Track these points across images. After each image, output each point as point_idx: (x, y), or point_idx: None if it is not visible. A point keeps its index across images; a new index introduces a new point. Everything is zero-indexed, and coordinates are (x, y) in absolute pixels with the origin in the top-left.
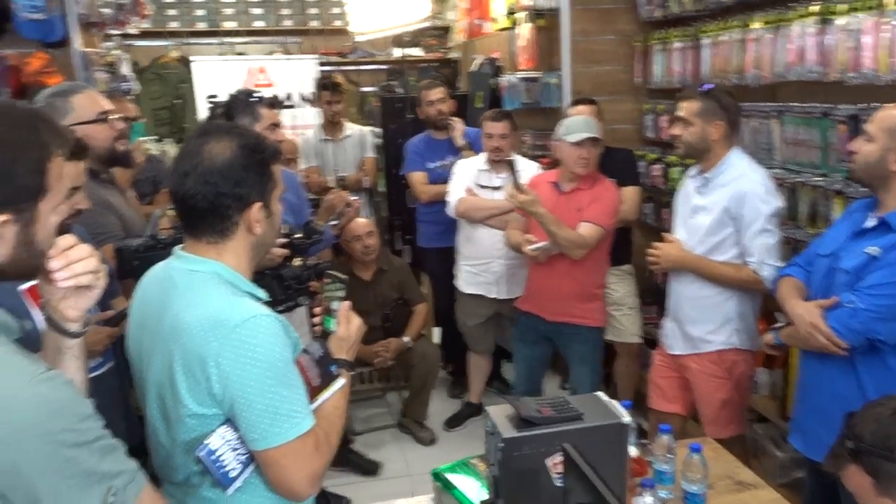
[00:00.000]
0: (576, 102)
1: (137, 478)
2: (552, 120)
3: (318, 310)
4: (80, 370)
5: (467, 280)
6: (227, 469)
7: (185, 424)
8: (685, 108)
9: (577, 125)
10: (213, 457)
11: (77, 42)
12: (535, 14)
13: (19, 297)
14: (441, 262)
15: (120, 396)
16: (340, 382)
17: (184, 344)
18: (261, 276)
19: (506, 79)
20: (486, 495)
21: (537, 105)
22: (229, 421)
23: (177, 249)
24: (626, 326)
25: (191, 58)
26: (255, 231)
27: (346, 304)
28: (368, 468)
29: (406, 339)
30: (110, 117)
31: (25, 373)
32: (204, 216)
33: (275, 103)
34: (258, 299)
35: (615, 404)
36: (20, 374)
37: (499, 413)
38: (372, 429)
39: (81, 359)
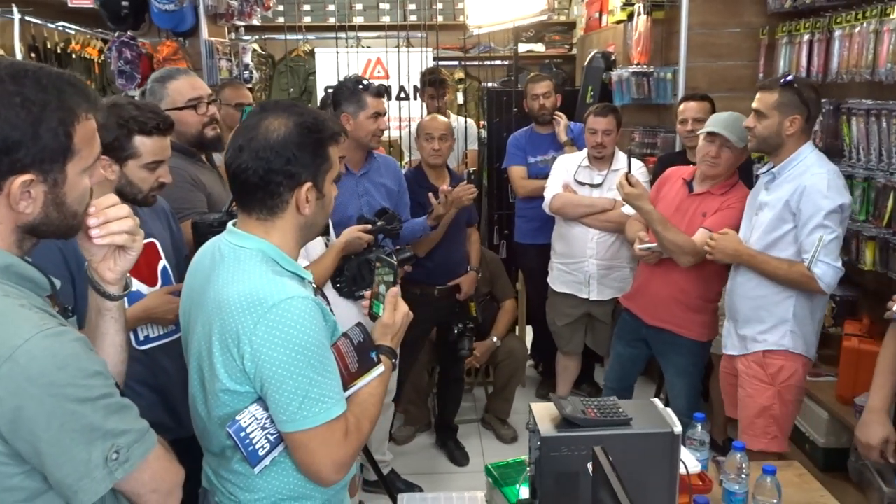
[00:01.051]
0: (686, 98)
1: (146, 438)
2: (664, 117)
3: (367, 293)
4: (119, 332)
5: (559, 278)
6: (255, 447)
7: (220, 399)
8: (761, 99)
9: (714, 120)
10: (243, 434)
11: (204, 32)
12: (653, 6)
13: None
14: (537, 259)
15: None
16: (380, 370)
17: (223, 319)
18: (347, 261)
19: (617, 73)
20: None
21: (648, 101)
22: (261, 399)
23: (230, 225)
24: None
25: (316, 49)
26: (304, 211)
27: (395, 289)
28: (460, 459)
29: (494, 339)
30: (202, 104)
31: (34, 326)
32: (254, 192)
33: (381, 92)
34: (302, 279)
35: (669, 413)
36: (29, 326)
37: (543, 411)
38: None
39: (120, 321)
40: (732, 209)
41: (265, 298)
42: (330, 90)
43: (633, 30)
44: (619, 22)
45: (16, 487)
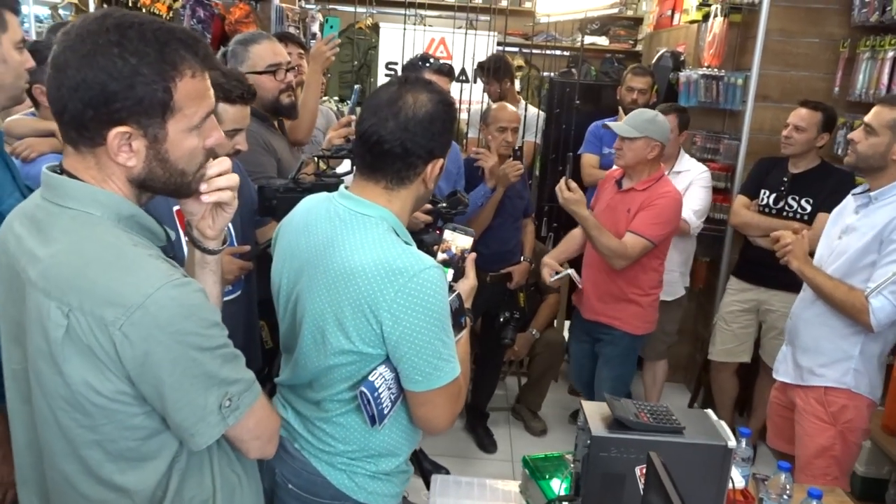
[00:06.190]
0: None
1: (253, 388)
2: (730, 123)
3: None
4: (216, 284)
5: None
6: (382, 406)
7: (345, 359)
8: (878, 114)
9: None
10: (376, 393)
11: None
12: (731, 8)
13: (172, 214)
14: None
15: (248, 322)
16: (464, 331)
17: (357, 285)
18: None
19: (686, 74)
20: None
21: (715, 105)
22: (388, 360)
23: (342, 188)
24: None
25: (381, 24)
26: (430, 185)
27: (473, 255)
28: (488, 446)
29: (534, 331)
30: (280, 70)
31: (163, 276)
32: (393, 162)
33: (442, 70)
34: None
35: (724, 426)
36: (159, 275)
37: (594, 410)
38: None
39: (217, 273)
40: (656, 207)
41: (405, 268)
42: (394, 65)
43: (707, 31)
44: (692, 22)
45: (137, 426)
